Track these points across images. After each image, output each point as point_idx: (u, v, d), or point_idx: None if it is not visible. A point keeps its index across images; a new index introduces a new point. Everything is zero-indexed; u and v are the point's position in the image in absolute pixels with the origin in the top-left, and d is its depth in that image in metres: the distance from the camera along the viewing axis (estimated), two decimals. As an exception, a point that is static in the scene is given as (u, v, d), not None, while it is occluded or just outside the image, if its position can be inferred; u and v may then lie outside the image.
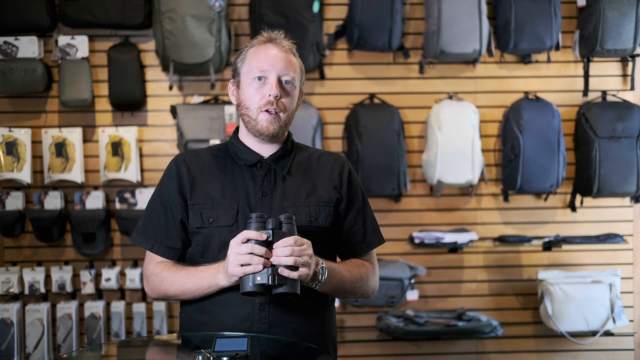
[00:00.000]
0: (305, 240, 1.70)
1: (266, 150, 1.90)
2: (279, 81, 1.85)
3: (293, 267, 1.65)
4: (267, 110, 1.83)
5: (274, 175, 1.88)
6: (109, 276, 3.66)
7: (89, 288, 3.68)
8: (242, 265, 1.66)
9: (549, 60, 3.90)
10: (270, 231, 1.68)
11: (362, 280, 1.90)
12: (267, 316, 1.79)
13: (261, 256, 1.65)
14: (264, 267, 1.65)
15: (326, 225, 1.86)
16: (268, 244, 1.67)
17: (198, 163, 1.91)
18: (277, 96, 1.82)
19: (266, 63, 1.84)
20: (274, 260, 1.65)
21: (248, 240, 1.67)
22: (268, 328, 1.78)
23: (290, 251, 1.65)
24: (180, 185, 1.88)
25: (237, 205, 1.83)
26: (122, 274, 3.73)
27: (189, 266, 1.86)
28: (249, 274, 1.66)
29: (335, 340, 1.98)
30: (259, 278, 1.64)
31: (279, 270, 1.64)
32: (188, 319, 1.90)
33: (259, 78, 1.84)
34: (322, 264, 1.75)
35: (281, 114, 1.84)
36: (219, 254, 1.81)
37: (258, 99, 1.84)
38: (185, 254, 1.91)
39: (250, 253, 1.65)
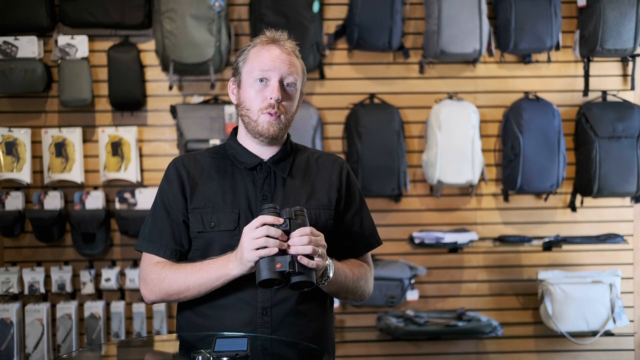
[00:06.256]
0: (319, 232, 1.69)
1: (266, 152, 1.89)
2: (281, 84, 1.82)
3: (309, 257, 1.64)
4: (268, 112, 1.81)
5: (274, 178, 1.87)
6: (109, 276, 3.66)
7: (88, 288, 3.68)
8: (257, 249, 1.63)
9: (549, 60, 3.90)
10: (287, 220, 1.67)
11: (362, 280, 1.89)
12: (269, 320, 1.78)
13: (277, 239, 1.63)
14: (280, 251, 1.63)
15: (327, 229, 1.85)
16: (284, 232, 1.66)
17: (197, 166, 1.89)
18: (278, 99, 1.80)
19: (268, 65, 1.81)
20: (292, 249, 1.63)
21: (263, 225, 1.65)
22: (271, 332, 1.77)
23: (308, 240, 1.64)
24: (182, 188, 1.86)
25: (238, 210, 1.81)
26: (122, 274, 3.73)
27: (192, 262, 1.82)
28: (265, 259, 1.62)
29: (334, 341, 1.98)
30: (278, 265, 1.62)
31: (298, 258, 1.63)
32: (186, 323, 1.88)
33: (261, 80, 1.82)
34: (329, 260, 1.75)
35: (282, 117, 1.82)
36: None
37: (259, 101, 1.82)
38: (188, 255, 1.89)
39: (266, 236, 1.63)
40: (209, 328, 1.81)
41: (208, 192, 1.85)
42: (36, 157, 3.73)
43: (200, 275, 1.76)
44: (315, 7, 3.68)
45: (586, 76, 3.90)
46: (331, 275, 1.74)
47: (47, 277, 3.69)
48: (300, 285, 1.66)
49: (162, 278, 1.81)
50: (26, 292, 3.63)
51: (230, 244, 1.76)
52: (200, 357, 1.51)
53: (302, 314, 1.81)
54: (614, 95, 3.92)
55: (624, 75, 3.97)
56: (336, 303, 3.76)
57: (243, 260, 1.67)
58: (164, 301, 1.86)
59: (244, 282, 1.76)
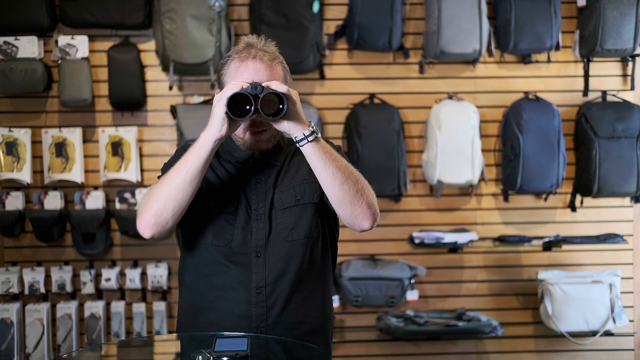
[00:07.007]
0: None
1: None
2: None
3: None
4: (252, 132, 1.84)
5: (267, 165, 1.90)
6: (109, 276, 3.66)
7: (88, 288, 3.68)
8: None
9: (549, 60, 3.90)
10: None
11: (357, 174, 1.84)
12: (264, 299, 1.81)
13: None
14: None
15: (315, 200, 1.87)
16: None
17: None
18: (259, 119, 1.81)
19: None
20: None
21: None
22: (266, 311, 1.80)
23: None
24: None
25: (236, 194, 1.85)
26: (122, 274, 3.73)
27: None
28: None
29: (333, 322, 1.98)
30: (244, 86, 1.72)
31: (265, 84, 1.72)
32: (184, 303, 1.91)
33: None
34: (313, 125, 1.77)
35: (267, 132, 1.85)
36: (213, 239, 1.83)
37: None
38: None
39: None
40: (206, 308, 1.84)
41: (208, 174, 1.87)
42: (36, 157, 3.73)
43: (182, 162, 1.76)
44: (315, 7, 3.68)
45: (586, 76, 3.90)
46: (319, 135, 1.75)
47: (48, 277, 3.69)
48: (273, 102, 1.70)
49: (151, 194, 1.78)
50: (26, 292, 3.63)
51: (225, 226, 1.81)
52: (200, 357, 1.51)
53: (297, 292, 1.84)
54: (614, 95, 3.93)
55: (624, 76, 3.98)
56: (336, 303, 3.76)
57: (213, 119, 1.75)
58: (157, 222, 1.75)
59: (239, 262, 1.81)
